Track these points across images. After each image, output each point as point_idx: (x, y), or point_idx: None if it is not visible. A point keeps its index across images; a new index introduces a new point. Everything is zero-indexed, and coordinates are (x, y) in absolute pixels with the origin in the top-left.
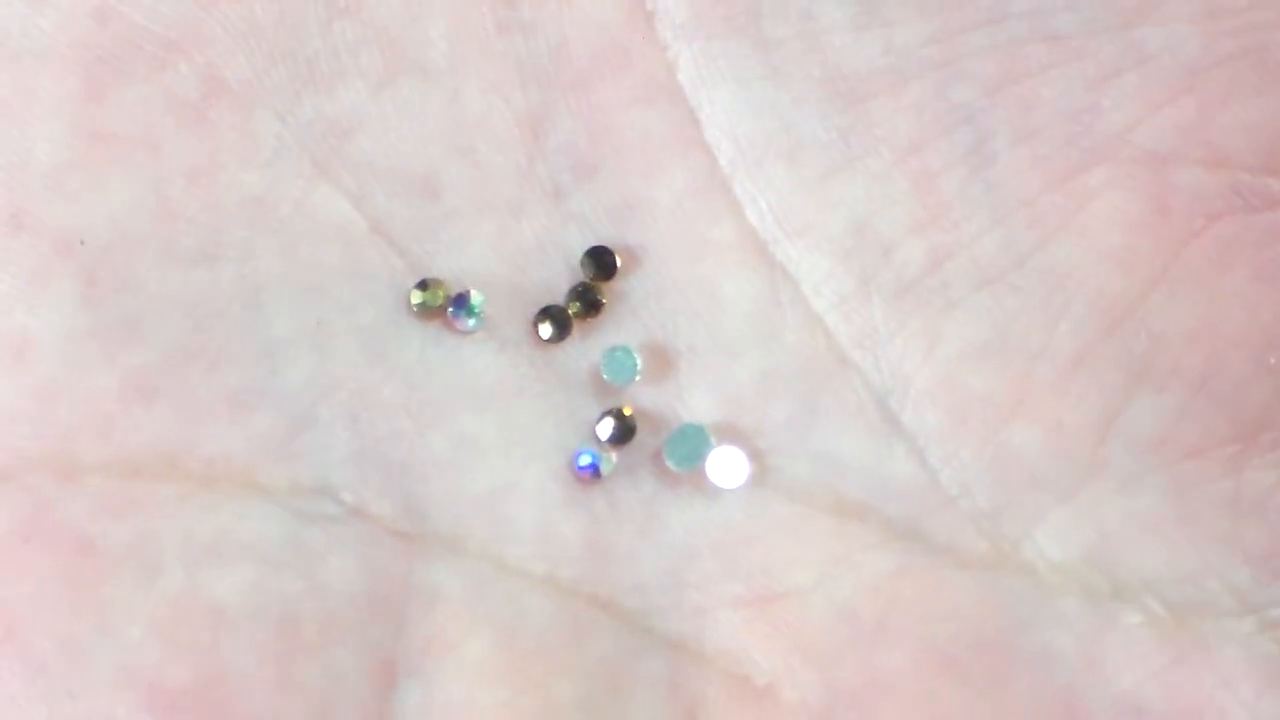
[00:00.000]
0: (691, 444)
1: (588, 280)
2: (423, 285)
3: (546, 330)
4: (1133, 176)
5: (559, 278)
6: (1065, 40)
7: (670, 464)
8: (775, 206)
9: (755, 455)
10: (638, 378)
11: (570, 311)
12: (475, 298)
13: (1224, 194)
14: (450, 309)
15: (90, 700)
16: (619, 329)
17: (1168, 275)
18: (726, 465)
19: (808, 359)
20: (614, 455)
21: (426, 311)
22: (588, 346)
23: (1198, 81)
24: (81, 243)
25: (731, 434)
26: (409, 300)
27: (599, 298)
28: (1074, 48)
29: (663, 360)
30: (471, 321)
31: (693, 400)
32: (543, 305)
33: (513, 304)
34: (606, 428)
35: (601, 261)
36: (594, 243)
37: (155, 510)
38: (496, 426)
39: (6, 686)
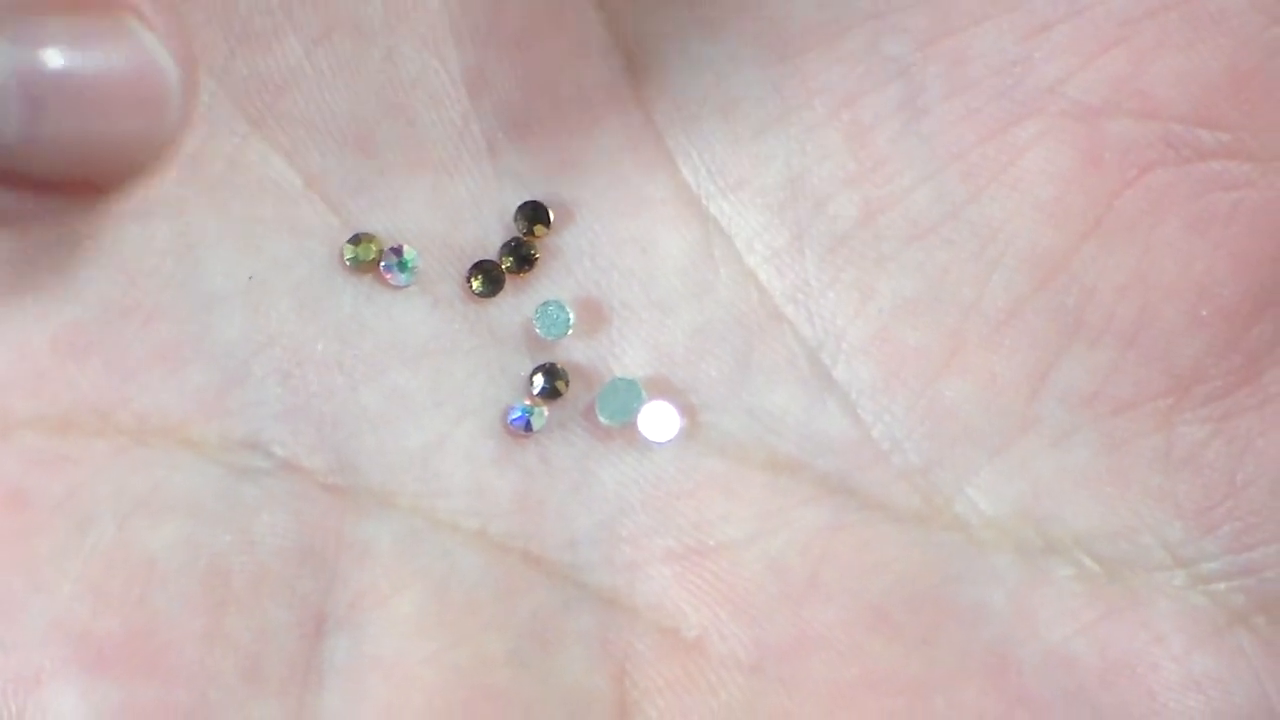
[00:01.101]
0: (623, 399)
1: (521, 235)
2: (355, 240)
3: (479, 285)
4: (1064, 128)
5: (493, 234)
6: None
7: (602, 419)
8: (709, 161)
9: (687, 410)
10: (570, 332)
11: (503, 267)
12: (408, 253)
13: (1156, 145)
14: (383, 264)
15: (21, 653)
16: (552, 284)
17: (1100, 227)
18: (658, 420)
19: (741, 314)
20: (546, 410)
21: (359, 267)
22: (520, 301)
23: (1129, 33)
24: None
25: (664, 389)
26: (342, 255)
27: (532, 253)
28: (1006, 1)
29: (596, 315)
30: (404, 277)
31: (625, 355)
32: (476, 260)
33: (446, 260)
34: (539, 382)
35: (535, 216)
36: (527, 198)
37: (87, 465)
38: (429, 382)
39: None
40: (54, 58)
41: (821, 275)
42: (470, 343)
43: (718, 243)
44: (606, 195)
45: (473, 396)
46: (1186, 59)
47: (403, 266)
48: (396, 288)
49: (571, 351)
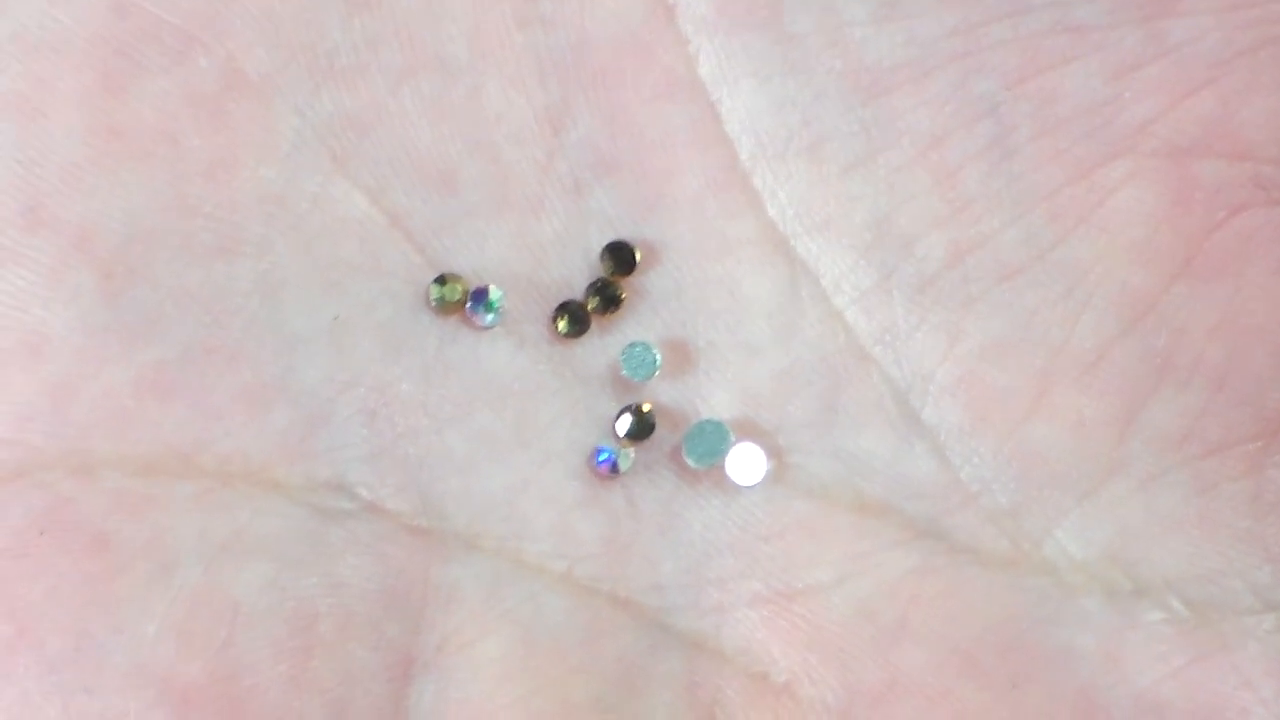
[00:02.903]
0: (711, 441)
1: (607, 276)
2: (441, 281)
3: (565, 326)
4: (1154, 169)
5: (578, 274)
6: (1086, 32)
7: (689, 461)
8: (795, 201)
9: (774, 452)
10: (657, 374)
11: (589, 307)
12: (494, 293)
13: (1246, 186)
14: (468, 305)
15: (104, 697)
16: (638, 325)
17: (1189, 269)
18: (746, 462)
19: (828, 355)
20: (632, 451)
21: (445, 307)
22: (606, 343)
23: (1219, 73)
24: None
25: (751, 430)
26: (427, 296)
27: (618, 293)
28: (1095, 40)
29: (682, 356)
30: (490, 317)
31: (712, 396)
32: (561, 301)
33: (531, 300)
34: (625, 424)
35: (621, 257)
36: (613, 238)
37: (171, 507)
38: (514, 423)
39: (21, 683)
40: None
41: (909, 316)
42: (556, 384)
43: (804, 283)
44: (692, 235)
45: (558, 438)
46: (1277, 99)
47: (488, 307)
48: (482, 328)
49: (658, 393)
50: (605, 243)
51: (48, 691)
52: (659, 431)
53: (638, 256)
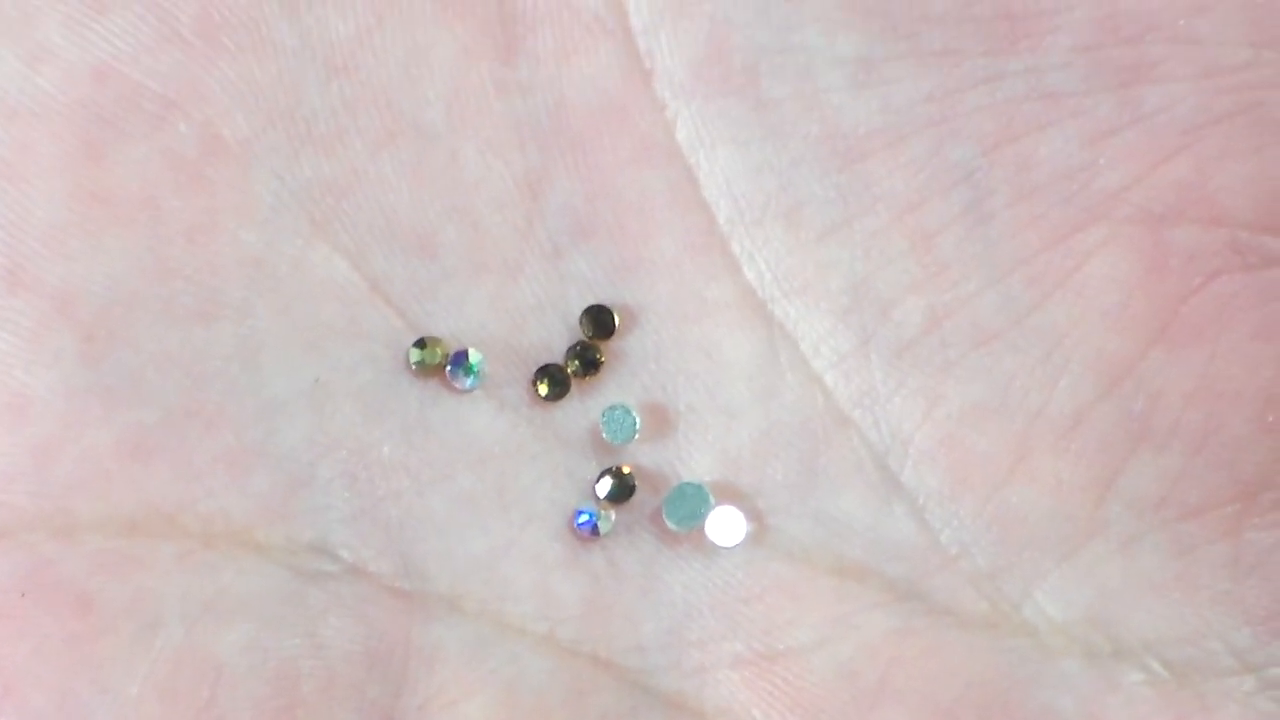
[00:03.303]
0: (691, 503)
1: (586, 339)
2: (421, 344)
3: (545, 389)
4: (1130, 235)
5: (557, 337)
6: (1062, 98)
7: (669, 523)
8: (773, 265)
9: (754, 515)
10: (637, 436)
11: (569, 370)
12: (474, 356)
13: (1221, 252)
14: (449, 368)
15: None
16: (618, 388)
17: (1166, 334)
18: (726, 524)
19: (807, 418)
20: (613, 514)
21: (425, 370)
22: (586, 406)
23: (1195, 139)
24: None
25: (731, 493)
26: (407, 359)
27: (598, 356)
28: (1070, 106)
29: (662, 419)
30: (470, 380)
31: (692, 459)
32: (541, 364)
33: (511, 363)
34: (605, 486)
35: (600, 320)
36: (592, 302)
37: (153, 568)
38: (495, 485)
39: None
40: None
41: (888, 380)
42: (536, 447)
43: (783, 347)
44: (671, 299)
45: (539, 500)
46: (1252, 165)
47: (468, 370)
48: (462, 391)
49: (638, 455)
50: (584, 306)
51: None
52: (639, 494)
53: (616, 320)
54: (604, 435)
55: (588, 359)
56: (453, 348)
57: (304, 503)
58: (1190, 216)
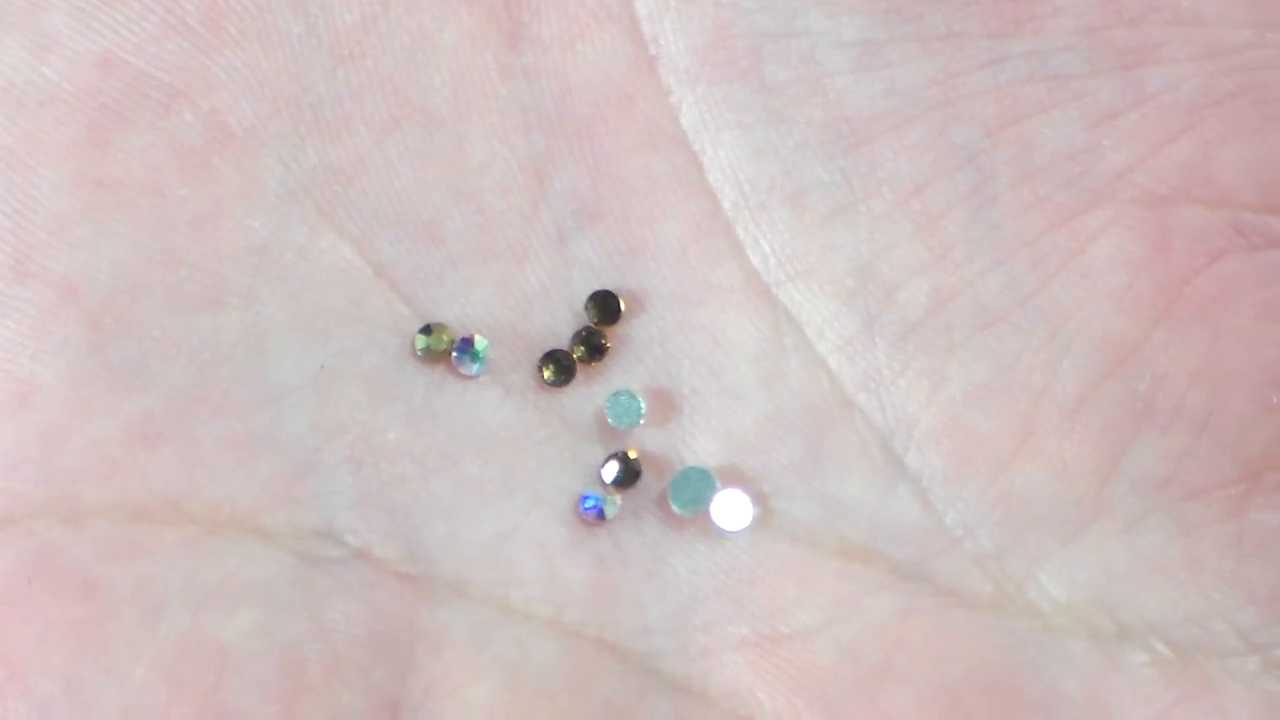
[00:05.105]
0: (696, 487)
1: (592, 324)
2: (427, 330)
3: (551, 374)
4: (1133, 216)
5: (563, 323)
6: (1065, 80)
7: (675, 507)
8: (778, 249)
9: (759, 498)
10: (642, 421)
11: (574, 356)
12: (479, 342)
13: (1225, 232)
14: (454, 354)
15: None
16: (623, 373)
17: (1170, 314)
18: (731, 508)
19: (812, 402)
20: (619, 498)
21: (431, 356)
22: (592, 391)
23: (1197, 120)
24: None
25: (736, 477)
26: (413, 345)
27: (603, 342)
28: (1074, 88)
29: (667, 404)
30: (476, 366)
31: (697, 443)
32: (547, 350)
33: (517, 349)
34: (611, 471)
35: (605, 306)
36: (598, 287)
37: (159, 554)
38: (501, 471)
39: None
40: None
41: (892, 363)
42: (542, 432)
43: (788, 331)
44: (676, 284)
45: (545, 485)
46: (1255, 146)
47: (474, 356)
48: (468, 377)
49: (643, 440)
50: (590, 291)
51: None
52: (645, 478)
53: (622, 305)
54: (609, 420)
55: (593, 344)
56: (458, 333)
57: (310, 488)
58: (1194, 198)
